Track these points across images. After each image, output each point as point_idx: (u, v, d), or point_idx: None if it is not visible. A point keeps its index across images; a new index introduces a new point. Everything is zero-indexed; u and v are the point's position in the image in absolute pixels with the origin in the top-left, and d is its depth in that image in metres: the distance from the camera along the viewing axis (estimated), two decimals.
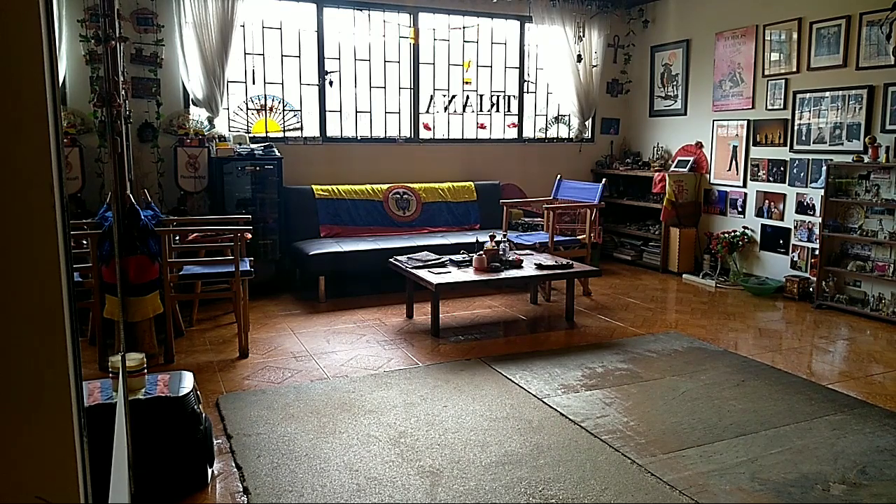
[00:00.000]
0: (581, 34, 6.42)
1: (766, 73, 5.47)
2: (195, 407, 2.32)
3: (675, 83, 6.45)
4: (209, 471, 2.37)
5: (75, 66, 4.79)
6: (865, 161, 4.60)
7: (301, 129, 5.69)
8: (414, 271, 4.24)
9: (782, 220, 5.42)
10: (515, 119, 6.62)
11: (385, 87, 5.97)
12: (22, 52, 0.84)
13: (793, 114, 5.26)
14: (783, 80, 5.33)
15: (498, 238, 4.56)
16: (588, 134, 6.95)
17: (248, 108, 5.52)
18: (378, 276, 5.12)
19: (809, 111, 5.14)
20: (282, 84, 5.59)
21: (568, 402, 3.07)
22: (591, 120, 6.87)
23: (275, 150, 5.21)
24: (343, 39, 5.74)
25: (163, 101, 5.14)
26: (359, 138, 5.91)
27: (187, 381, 2.38)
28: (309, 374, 3.46)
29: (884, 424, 2.85)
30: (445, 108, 6.23)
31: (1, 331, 0.87)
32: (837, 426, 2.83)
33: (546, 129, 6.82)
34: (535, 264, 4.45)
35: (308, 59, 5.63)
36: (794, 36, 5.20)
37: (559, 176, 6.01)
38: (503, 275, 4.25)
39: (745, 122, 5.69)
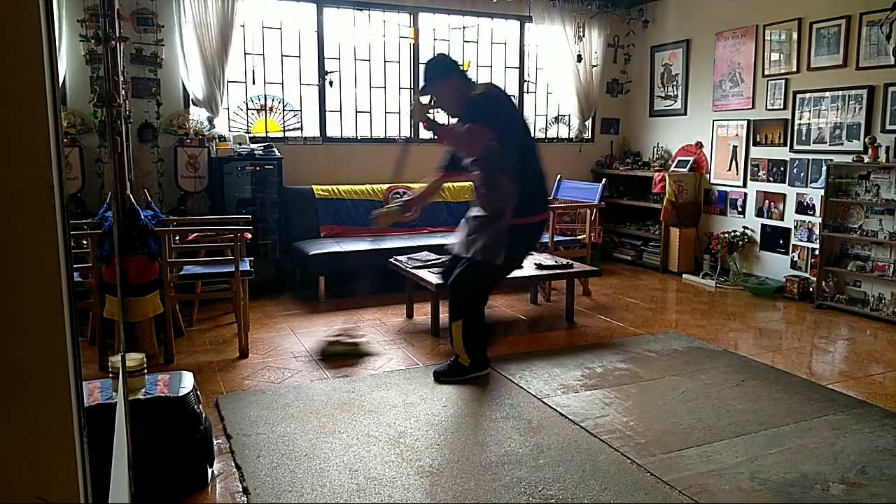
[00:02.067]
0: (581, 34, 6.42)
1: (766, 73, 5.47)
2: (195, 407, 2.32)
3: (675, 83, 6.45)
4: (209, 471, 2.37)
5: (75, 66, 4.79)
6: (865, 161, 4.60)
7: (301, 129, 5.69)
8: (414, 271, 4.24)
9: (782, 220, 5.42)
10: None
11: (385, 87, 5.97)
12: (22, 52, 0.84)
13: (793, 114, 5.26)
14: (783, 80, 5.33)
15: None
16: (588, 134, 6.95)
17: (248, 108, 5.52)
18: (378, 276, 5.12)
19: (809, 111, 5.14)
20: (282, 84, 5.59)
21: (567, 402, 3.07)
22: (591, 120, 6.87)
23: (275, 150, 5.21)
24: (343, 39, 5.74)
25: (163, 101, 5.14)
26: (359, 138, 5.91)
27: (187, 381, 2.38)
28: (309, 374, 3.46)
29: (883, 424, 2.85)
30: None
31: (1, 331, 0.87)
32: (837, 426, 2.83)
33: (546, 129, 6.82)
34: (535, 264, 4.45)
35: (308, 59, 5.63)
36: (794, 36, 5.20)
37: (559, 176, 6.01)
38: None
39: (745, 122, 5.69)
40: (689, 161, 6.22)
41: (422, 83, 3.39)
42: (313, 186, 5.50)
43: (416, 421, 2.88)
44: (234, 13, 5.09)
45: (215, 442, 2.55)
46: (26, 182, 0.86)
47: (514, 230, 3.21)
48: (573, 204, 5.57)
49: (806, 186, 5.21)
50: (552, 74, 6.52)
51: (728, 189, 5.92)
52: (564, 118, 6.84)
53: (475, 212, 3.43)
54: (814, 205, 5.13)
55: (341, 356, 3.55)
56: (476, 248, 3.26)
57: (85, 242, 3.47)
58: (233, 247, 3.77)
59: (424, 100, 3.35)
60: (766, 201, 5.55)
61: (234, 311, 3.90)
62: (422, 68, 3.45)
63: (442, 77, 3.32)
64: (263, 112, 5.57)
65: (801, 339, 4.18)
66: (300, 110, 5.68)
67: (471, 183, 3.51)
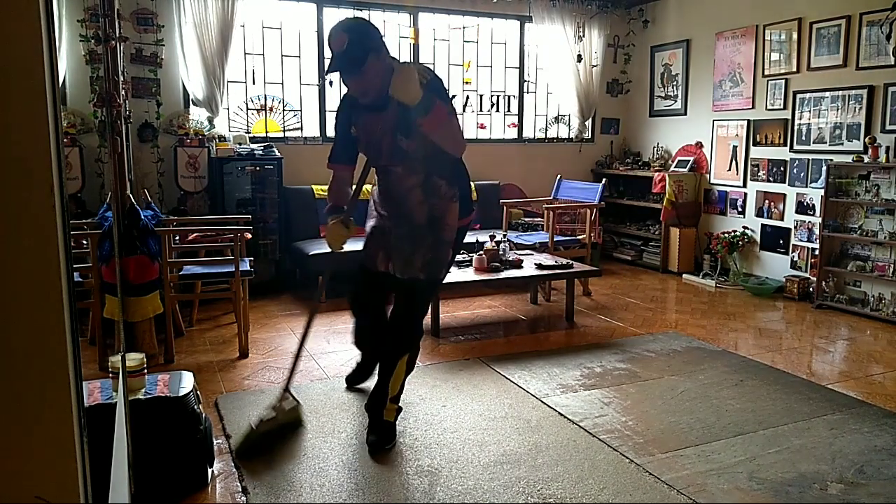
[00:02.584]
0: (581, 34, 6.42)
1: (766, 73, 5.47)
2: (195, 407, 2.32)
3: (675, 83, 6.46)
4: (209, 471, 2.38)
5: (75, 66, 4.79)
6: (865, 161, 4.60)
7: (301, 129, 5.69)
8: None
9: (782, 220, 5.42)
10: (515, 119, 6.62)
11: None
12: (22, 52, 0.85)
13: (793, 114, 5.27)
14: (783, 80, 5.33)
15: (498, 238, 4.56)
16: (588, 134, 6.95)
17: (248, 108, 5.53)
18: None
19: (809, 111, 5.14)
20: (282, 84, 5.59)
21: (566, 402, 3.07)
22: (591, 120, 6.87)
23: (275, 150, 5.22)
24: None
25: (163, 101, 5.14)
26: None
27: (187, 381, 2.38)
28: (309, 374, 3.46)
29: (882, 424, 2.85)
30: None
31: (1, 331, 0.87)
32: (835, 426, 2.84)
33: (546, 129, 6.82)
34: (535, 264, 4.45)
35: (308, 59, 5.63)
36: (794, 36, 5.21)
37: (559, 176, 6.01)
38: (503, 275, 4.25)
39: (745, 122, 5.70)
40: (689, 161, 6.23)
41: (347, 62, 2.43)
42: (313, 186, 5.50)
43: (415, 420, 2.88)
44: (234, 13, 5.09)
45: (215, 442, 2.55)
46: (26, 182, 0.87)
47: (457, 237, 2.77)
48: (573, 204, 5.57)
49: (806, 186, 5.21)
50: (552, 74, 6.52)
51: (728, 189, 5.92)
52: (564, 118, 6.84)
53: (386, 219, 2.79)
54: (814, 205, 5.14)
55: (266, 442, 2.56)
56: (417, 265, 2.63)
57: (85, 242, 3.47)
58: (233, 247, 3.77)
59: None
60: (766, 201, 5.55)
61: (234, 311, 3.90)
62: (339, 37, 2.48)
63: (377, 51, 2.47)
64: (263, 112, 5.57)
65: (800, 339, 4.19)
66: (300, 110, 5.68)
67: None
